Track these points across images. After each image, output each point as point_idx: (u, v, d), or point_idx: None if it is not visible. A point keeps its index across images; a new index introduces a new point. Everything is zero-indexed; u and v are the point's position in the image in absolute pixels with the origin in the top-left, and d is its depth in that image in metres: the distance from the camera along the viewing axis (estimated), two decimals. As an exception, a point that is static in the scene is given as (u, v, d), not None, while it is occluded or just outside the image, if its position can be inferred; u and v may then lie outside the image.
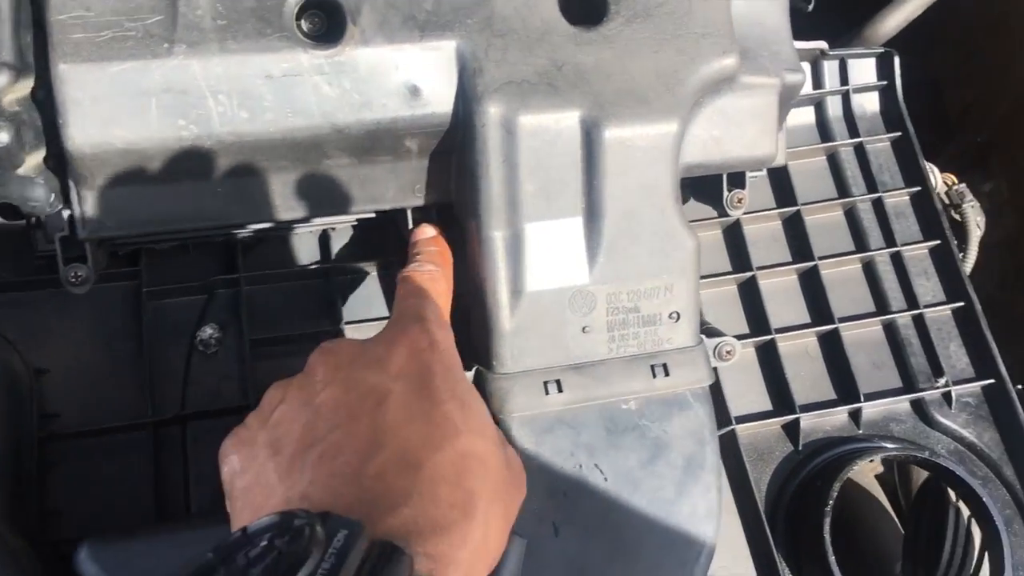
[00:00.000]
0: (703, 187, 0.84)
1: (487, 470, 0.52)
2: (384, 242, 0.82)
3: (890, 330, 0.92)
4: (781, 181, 0.95)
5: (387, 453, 0.49)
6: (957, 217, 1.03)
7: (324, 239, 0.83)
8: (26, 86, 0.63)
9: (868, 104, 1.00)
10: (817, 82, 0.97)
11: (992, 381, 0.89)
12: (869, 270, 0.94)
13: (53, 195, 0.66)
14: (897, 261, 0.93)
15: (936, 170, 1.01)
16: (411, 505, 0.47)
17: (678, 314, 0.70)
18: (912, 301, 0.92)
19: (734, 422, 0.84)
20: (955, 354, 0.91)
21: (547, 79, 0.66)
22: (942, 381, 0.89)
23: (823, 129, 0.98)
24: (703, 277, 0.89)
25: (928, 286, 0.94)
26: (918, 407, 0.89)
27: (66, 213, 0.66)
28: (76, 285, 0.68)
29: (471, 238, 0.68)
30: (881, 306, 0.92)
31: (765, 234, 0.93)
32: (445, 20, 0.66)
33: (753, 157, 0.75)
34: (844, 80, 0.98)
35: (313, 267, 0.82)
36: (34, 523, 0.70)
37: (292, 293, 0.81)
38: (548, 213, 0.66)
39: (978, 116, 1.34)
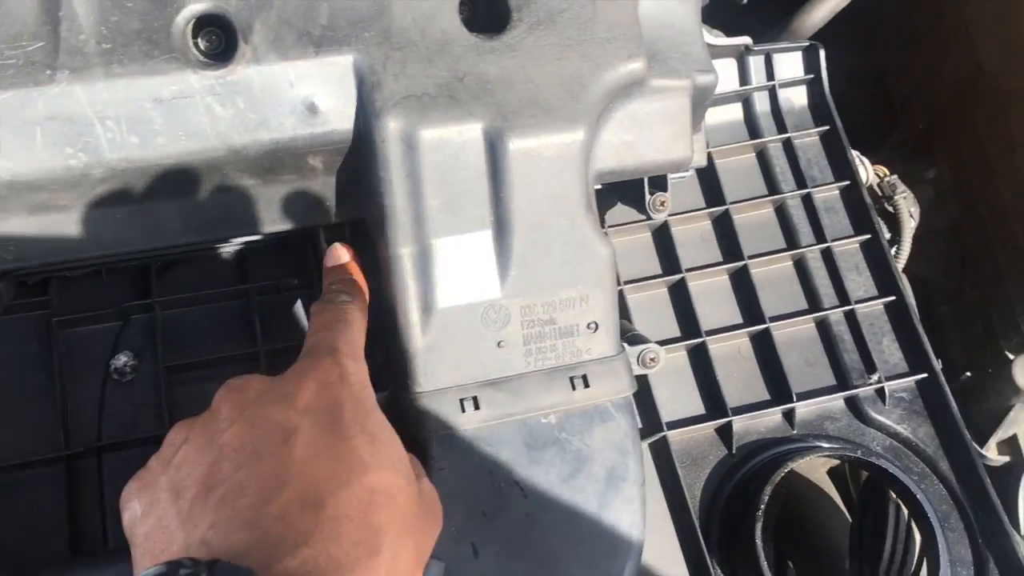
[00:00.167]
0: (628, 191, 0.83)
1: (396, 505, 0.51)
2: (305, 259, 0.80)
3: (822, 327, 0.91)
4: (710, 180, 0.94)
5: (290, 492, 0.48)
6: (890, 209, 1.02)
7: (241, 259, 0.81)
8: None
9: (796, 98, 0.99)
10: (743, 78, 0.97)
11: (925, 375, 0.89)
12: (800, 267, 0.93)
13: (-56, 230, 0.64)
14: (828, 257, 0.93)
15: (867, 162, 1.01)
16: (312, 545, 0.46)
17: (596, 324, 0.69)
18: (844, 297, 0.91)
19: (665, 428, 0.83)
20: (888, 349, 0.91)
21: (448, 91, 0.65)
22: (875, 377, 0.88)
23: (751, 125, 0.97)
24: (632, 281, 0.89)
25: (860, 281, 0.93)
26: (852, 404, 0.88)
27: (-39, 247, 0.64)
28: (-20, 319, 0.66)
29: (380, 256, 0.67)
30: (813, 303, 0.92)
31: (694, 235, 0.92)
32: (341, 35, 0.64)
33: (668, 160, 0.74)
34: (770, 75, 0.97)
35: (231, 288, 0.80)
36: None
37: (210, 316, 0.79)
38: (455, 228, 0.65)
39: (920, 104, 1.35)
